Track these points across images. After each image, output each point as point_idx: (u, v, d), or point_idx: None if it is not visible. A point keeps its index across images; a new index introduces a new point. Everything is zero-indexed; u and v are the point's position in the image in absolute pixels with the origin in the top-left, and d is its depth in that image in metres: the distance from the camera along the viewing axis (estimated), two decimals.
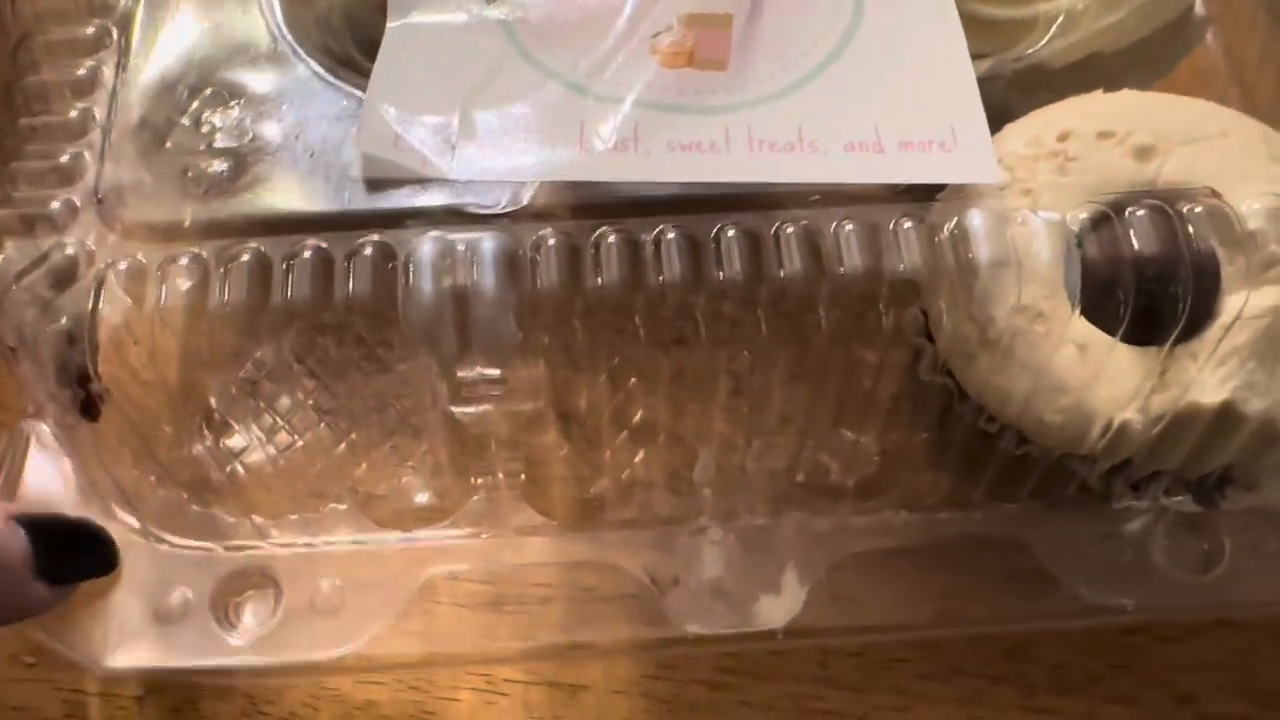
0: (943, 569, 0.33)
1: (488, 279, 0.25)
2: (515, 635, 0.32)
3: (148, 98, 0.28)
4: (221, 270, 0.25)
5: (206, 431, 0.32)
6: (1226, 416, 0.29)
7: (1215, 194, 0.27)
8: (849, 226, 0.26)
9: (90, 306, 0.25)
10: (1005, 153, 0.30)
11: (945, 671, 0.33)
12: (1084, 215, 0.27)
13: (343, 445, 0.34)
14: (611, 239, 0.26)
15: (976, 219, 0.26)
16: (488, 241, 0.26)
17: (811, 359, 0.29)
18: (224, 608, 0.32)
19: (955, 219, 0.26)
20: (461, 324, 0.25)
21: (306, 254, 0.26)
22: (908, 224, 0.26)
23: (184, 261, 0.26)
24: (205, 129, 0.27)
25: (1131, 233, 0.27)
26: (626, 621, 0.32)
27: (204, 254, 0.26)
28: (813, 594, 0.32)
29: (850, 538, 0.33)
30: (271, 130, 0.27)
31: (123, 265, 0.26)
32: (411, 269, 0.25)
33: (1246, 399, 0.29)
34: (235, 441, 0.33)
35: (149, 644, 0.31)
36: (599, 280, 0.26)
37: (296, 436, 0.34)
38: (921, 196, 0.27)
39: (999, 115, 0.30)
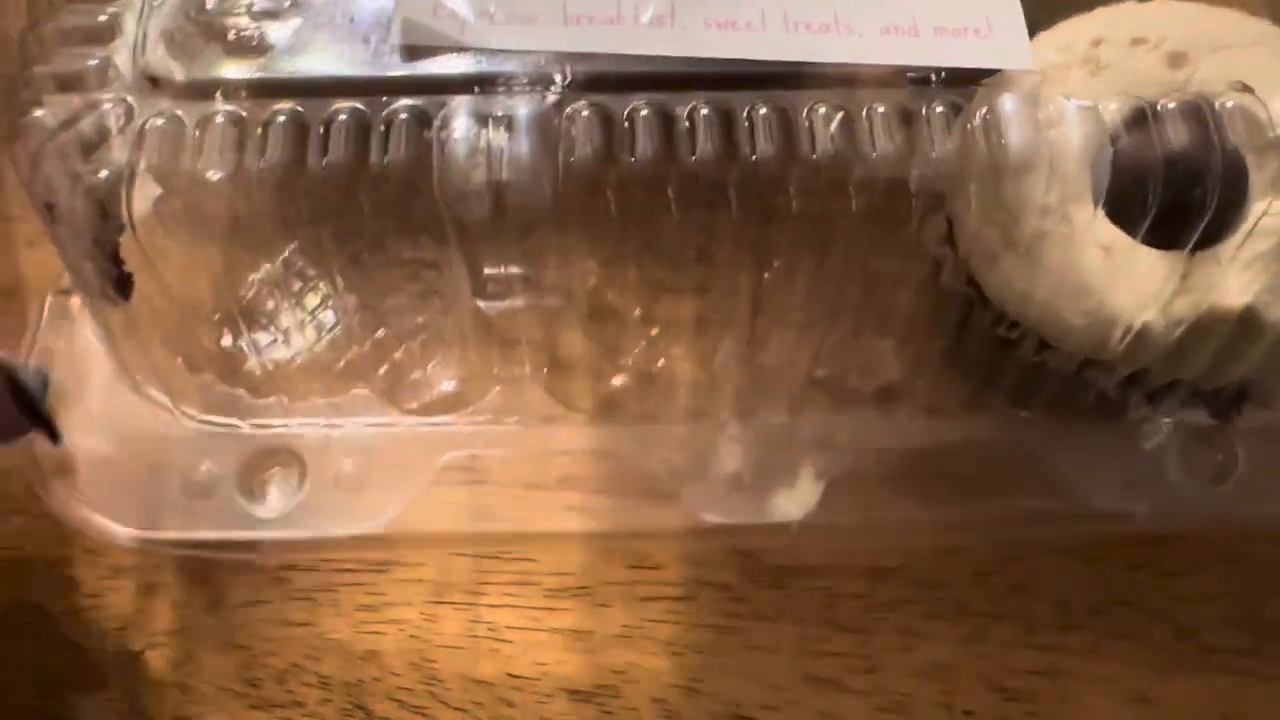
0: (958, 473, 0.33)
1: (523, 145, 0.25)
2: (532, 518, 0.32)
3: None
4: (259, 130, 0.26)
5: (239, 322, 0.33)
6: (1248, 322, 0.29)
7: (1248, 88, 0.27)
8: (881, 109, 0.27)
9: (128, 162, 0.25)
10: (1037, 60, 0.30)
11: (949, 610, 0.33)
12: (1115, 107, 0.27)
13: (369, 342, 0.34)
14: (645, 112, 0.26)
15: (1009, 103, 0.26)
16: (524, 109, 0.26)
17: (837, 250, 0.29)
18: (250, 484, 0.32)
19: (987, 105, 0.26)
20: (496, 192, 0.25)
21: (343, 117, 0.26)
22: (940, 108, 0.27)
23: (221, 120, 0.26)
24: None
25: (1164, 126, 0.27)
26: (644, 509, 0.32)
27: (242, 113, 0.26)
28: (829, 491, 0.32)
29: (868, 439, 0.33)
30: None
31: (160, 121, 0.26)
32: (448, 134, 0.25)
33: (1269, 304, 0.29)
34: (263, 335, 0.34)
35: (178, 516, 0.31)
36: (632, 152, 0.26)
37: (324, 332, 0.34)
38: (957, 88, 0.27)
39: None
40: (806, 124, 0.26)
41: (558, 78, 0.27)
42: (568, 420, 0.33)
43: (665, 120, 0.26)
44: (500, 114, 0.26)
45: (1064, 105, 0.26)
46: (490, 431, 0.33)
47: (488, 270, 0.33)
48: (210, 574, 0.34)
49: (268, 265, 0.34)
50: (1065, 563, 0.34)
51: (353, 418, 0.33)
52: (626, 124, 0.26)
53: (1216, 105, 0.27)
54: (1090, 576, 0.34)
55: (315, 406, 0.33)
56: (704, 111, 0.26)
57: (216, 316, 0.33)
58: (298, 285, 0.35)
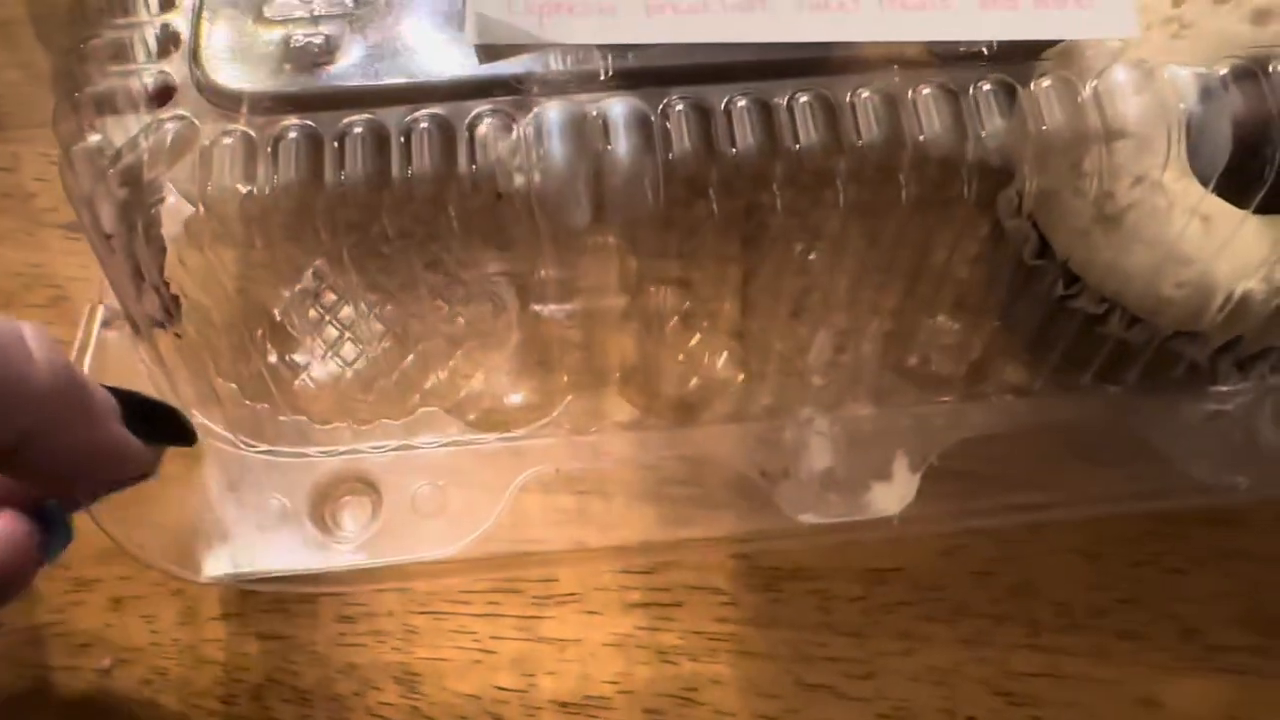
0: (1053, 452, 0.32)
1: (622, 145, 0.24)
2: (624, 529, 0.31)
3: None
4: (335, 143, 0.24)
5: (271, 345, 0.31)
6: None
7: None
8: (986, 87, 0.25)
9: (198, 181, 0.23)
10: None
11: (948, 612, 0.32)
12: (1225, 70, 0.26)
13: (410, 357, 0.33)
14: (742, 103, 0.25)
15: (1120, 73, 0.25)
16: (618, 108, 0.24)
17: (939, 234, 0.28)
18: (321, 513, 0.31)
19: (1097, 75, 0.25)
20: (596, 192, 0.24)
21: (424, 124, 0.24)
22: (1046, 83, 0.25)
23: (294, 135, 0.24)
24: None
25: (1278, 86, 0.26)
26: (738, 514, 0.31)
27: (316, 126, 0.24)
28: (925, 481, 0.31)
29: (958, 424, 0.32)
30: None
31: (227, 140, 0.24)
32: (539, 136, 0.24)
33: None
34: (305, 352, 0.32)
35: (250, 551, 0.30)
36: (734, 146, 0.24)
37: (365, 346, 0.33)
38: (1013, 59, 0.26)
39: None
40: (912, 107, 0.25)
41: (644, 65, 0.25)
42: (648, 426, 0.32)
43: (763, 110, 0.25)
44: (594, 113, 0.24)
45: (1176, 72, 0.25)
46: (570, 444, 0.32)
47: (549, 271, 0.31)
48: (185, 585, 0.32)
49: (311, 277, 0.32)
50: (1067, 561, 0.33)
51: (425, 437, 0.31)
52: (724, 116, 0.25)
53: None
54: (1093, 575, 0.33)
55: (386, 428, 0.31)
56: (803, 99, 0.25)
57: (260, 332, 0.31)
58: (337, 299, 0.33)
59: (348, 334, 0.33)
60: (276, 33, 0.25)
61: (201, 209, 0.25)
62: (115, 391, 0.24)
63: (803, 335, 0.31)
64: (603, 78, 0.25)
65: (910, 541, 0.33)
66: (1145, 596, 0.33)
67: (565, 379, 0.32)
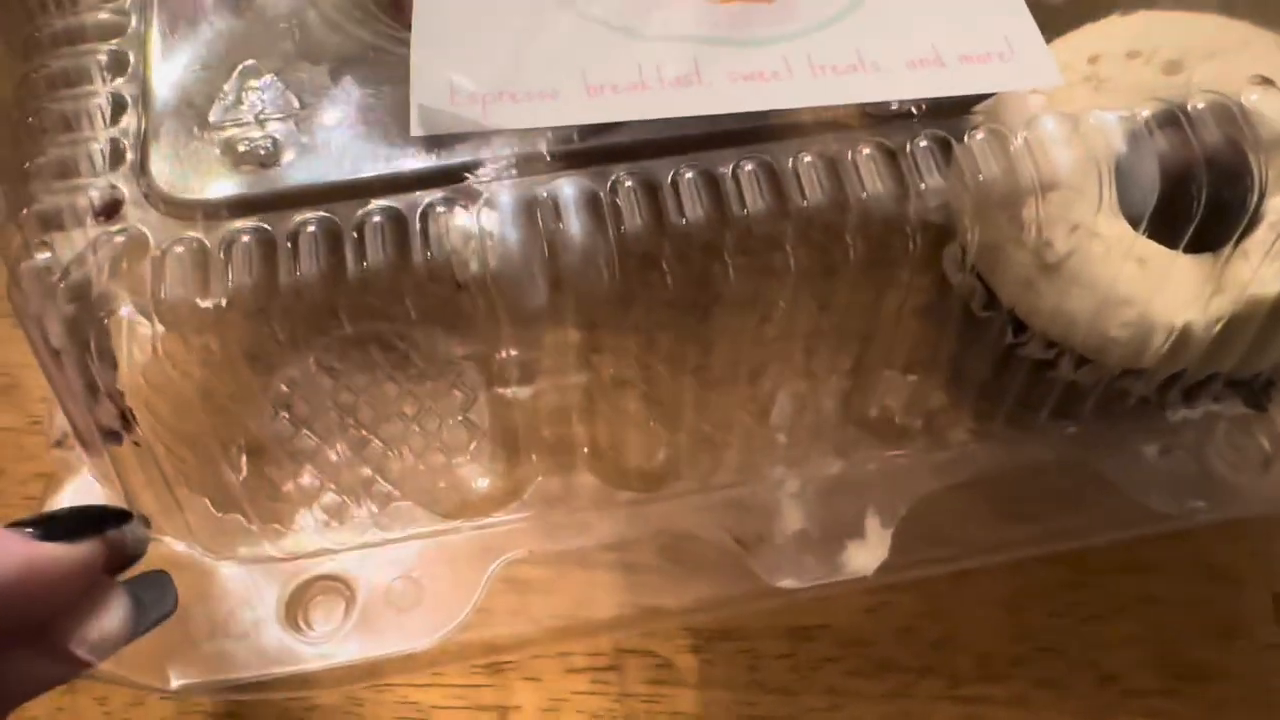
0: (1016, 495, 0.33)
1: (573, 223, 0.24)
2: (603, 607, 0.31)
3: (181, 79, 0.26)
4: (289, 243, 0.24)
5: (244, 460, 0.31)
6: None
7: (1267, 80, 0.28)
8: (922, 144, 0.26)
9: (153, 291, 0.23)
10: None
11: (873, 667, 0.33)
12: (1147, 112, 0.27)
13: (399, 450, 0.32)
14: (689, 175, 0.25)
15: (1049, 123, 0.26)
16: (567, 188, 0.25)
17: (888, 292, 0.29)
18: (295, 616, 0.30)
19: (1025, 125, 0.26)
20: (552, 272, 0.24)
21: (376, 218, 0.25)
22: (979, 136, 0.26)
23: (247, 239, 0.24)
24: (248, 103, 0.26)
25: (1198, 126, 0.27)
26: (713, 582, 0.31)
27: (268, 228, 0.24)
28: (898, 535, 0.31)
29: (924, 475, 0.33)
30: (318, 98, 0.26)
31: (179, 249, 0.24)
32: (491, 221, 0.24)
33: None
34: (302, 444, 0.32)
35: (220, 659, 0.29)
36: (683, 217, 0.25)
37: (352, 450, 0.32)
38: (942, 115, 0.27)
39: None
40: (853, 168, 0.26)
41: (587, 143, 0.26)
42: (619, 501, 0.32)
43: (710, 181, 0.25)
44: (544, 194, 0.24)
45: (1102, 117, 0.26)
46: (542, 525, 0.31)
47: (511, 353, 0.31)
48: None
49: (283, 387, 0.32)
50: (988, 613, 0.34)
51: (398, 531, 0.31)
52: (672, 189, 0.25)
53: (1242, 101, 0.27)
54: (1013, 626, 0.34)
55: (357, 525, 0.31)
56: (749, 168, 0.25)
57: (235, 449, 0.31)
58: (318, 402, 0.33)
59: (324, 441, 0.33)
60: (222, 137, 0.25)
61: (157, 323, 0.25)
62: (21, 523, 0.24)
63: (763, 398, 0.31)
64: (548, 160, 0.25)
65: (835, 599, 0.34)
66: (1063, 645, 0.34)
67: (534, 459, 0.32)
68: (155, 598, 0.26)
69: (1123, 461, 0.33)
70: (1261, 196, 0.29)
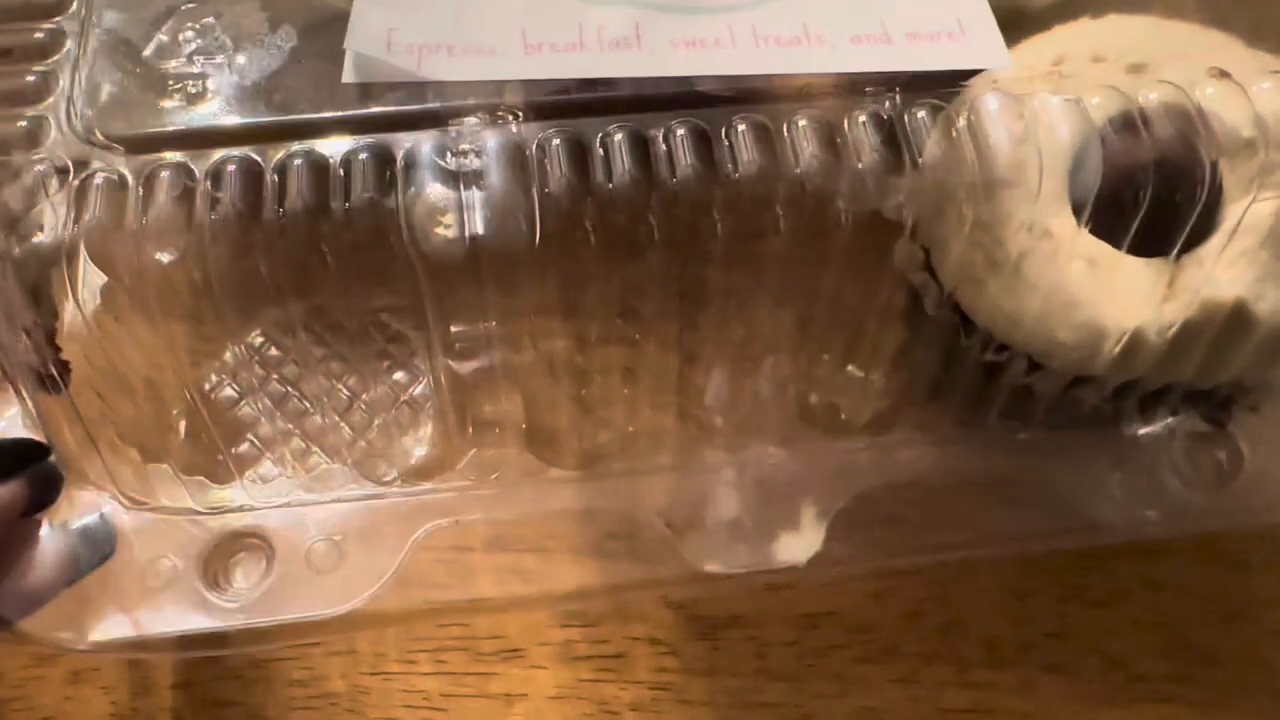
0: (957, 499, 0.32)
1: (496, 179, 0.24)
2: (521, 585, 0.30)
3: (122, 16, 0.26)
4: (208, 183, 0.24)
5: (201, 405, 0.31)
6: (1238, 318, 0.29)
7: (1224, 73, 0.27)
8: (861, 119, 0.26)
9: (72, 221, 0.23)
10: (1000, 77, 0.30)
11: (880, 654, 0.33)
12: (1098, 99, 0.26)
13: (342, 419, 0.32)
14: (618, 136, 0.25)
15: (993, 101, 0.25)
16: (492, 143, 0.24)
17: (822, 277, 0.28)
18: (214, 572, 0.30)
19: (969, 104, 0.26)
20: (470, 235, 0.24)
21: (298, 161, 0.24)
22: (922, 114, 0.26)
23: (167, 173, 0.24)
24: (184, 41, 0.26)
25: (1151, 118, 0.26)
26: (641, 565, 0.30)
27: (190, 164, 0.24)
28: (832, 529, 0.31)
29: (865, 471, 0.32)
30: (255, 43, 0.26)
31: (100, 178, 0.24)
32: (413, 173, 0.24)
33: (1259, 296, 0.28)
34: (244, 413, 0.32)
35: (137, 615, 0.29)
36: (609, 179, 0.25)
37: (309, 405, 0.32)
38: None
39: None
40: (787, 136, 0.25)
41: (520, 100, 0.26)
42: (551, 478, 0.31)
43: (640, 144, 0.25)
44: (467, 148, 0.24)
45: (1048, 101, 0.26)
46: (470, 497, 0.31)
47: (456, 328, 0.31)
48: (137, 658, 0.32)
49: (232, 350, 0.32)
50: (995, 599, 0.34)
51: (325, 493, 0.31)
52: (601, 150, 0.25)
53: (1198, 94, 0.26)
54: (1020, 612, 0.34)
55: (282, 484, 0.31)
56: (680, 132, 0.25)
57: (175, 411, 0.31)
58: (261, 371, 0.33)
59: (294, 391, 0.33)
60: (154, 74, 0.25)
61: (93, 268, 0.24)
62: None
63: (699, 379, 0.30)
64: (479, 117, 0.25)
65: (842, 585, 0.34)
66: (1070, 630, 0.33)
67: (470, 432, 0.32)
68: (91, 540, 0.26)
69: (1072, 469, 0.32)
70: (1217, 201, 0.28)
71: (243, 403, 0.33)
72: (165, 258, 0.25)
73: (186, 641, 0.29)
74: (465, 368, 0.32)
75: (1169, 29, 0.31)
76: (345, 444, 0.32)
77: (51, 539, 0.28)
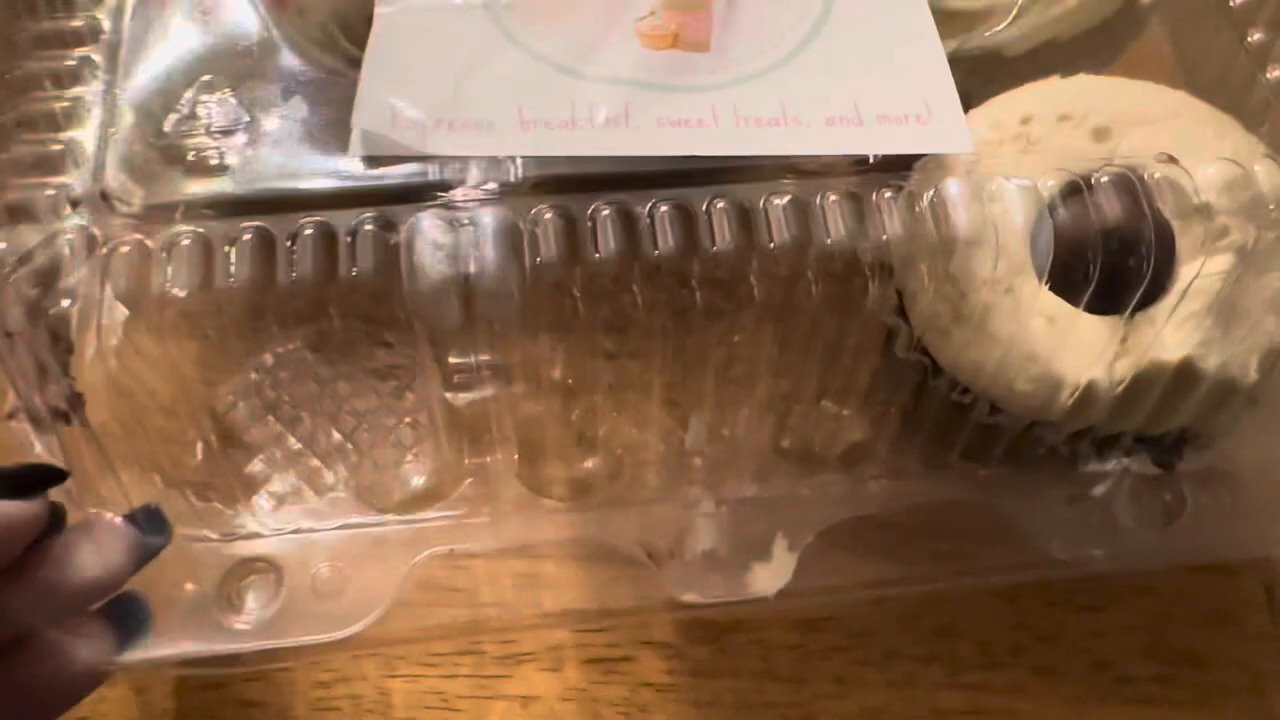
0: (923, 532, 0.34)
1: (489, 251, 0.26)
2: (513, 608, 0.33)
3: (144, 88, 0.28)
4: (227, 248, 0.26)
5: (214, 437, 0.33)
6: (1185, 373, 0.31)
7: (1173, 159, 0.29)
8: (832, 198, 0.28)
9: (97, 286, 0.25)
10: (971, 138, 0.31)
11: (878, 656, 0.35)
12: (1053, 182, 0.29)
13: (344, 445, 0.34)
14: (606, 212, 0.27)
15: (953, 187, 0.27)
16: (487, 216, 0.26)
17: (798, 330, 0.30)
18: (226, 595, 0.32)
19: (933, 187, 0.28)
20: (465, 296, 0.26)
21: (309, 231, 0.26)
22: (888, 194, 0.28)
23: (187, 242, 0.26)
24: (203, 116, 0.27)
25: (1099, 199, 0.28)
26: (623, 592, 0.33)
27: (207, 232, 0.26)
28: (803, 561, 0.33)
29: (835, 506, 0.34)
30: (269, 115, 0.28)
31: (126, 248, 0.26)
32: (414, 243, 0.26)
33: (1204, 356, 0.30)
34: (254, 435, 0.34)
35: (163, 635, 0.31)
36: (597, 251, 0.27)
37: (316, 423, 0.34)
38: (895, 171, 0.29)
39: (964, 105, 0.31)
40: (764, 215, 0.27)
41: (517, 177, 0.28)
42: (542, 508, 0.34)
43: (627, 218, 0.27)
44: (465, 222, 0.26)
45: (1004, 184, 0.28)
46: (465, 525, 0.33)
47: (453, 360, 0.33)
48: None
49: (240, 379, 0.34)
50: (988, 604, 0.36)
51: (329, 521, 0.33)
52: (589, 223, 0.27)
53: (1145, 176, 0.28)
54: (1012, 616, 0.35)
55: (291, 513, 0.33)
56: (664, 208, 0.27)
57: (191, 435, 0.33)
58: (272, 396, 0.35)
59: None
60: (174, 145, 0.27)
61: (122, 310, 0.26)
62: None
63: (678, 420, 0.32)
64: (477, 190, 0.27)
65: (842, 593, 0.34)
66: (1060, 634, 0.35)
67: (465, 463, 0.34)
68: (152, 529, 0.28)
69: (1029, 506, 0.34)
70: (1170, 263, 0.30)
71: (253, 425, 0.35)
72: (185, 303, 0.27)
73: (205, 662, 0.32)
74: (460, 398, 0.34)
75: (1133, 89, 0.33)
76: (350, 466, 0.34)
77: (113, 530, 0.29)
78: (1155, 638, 0.35)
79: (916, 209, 0.27)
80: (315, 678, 0.34)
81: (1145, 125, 0.32)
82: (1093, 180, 0.28)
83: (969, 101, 0.32)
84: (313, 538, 0.33)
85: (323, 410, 0.34)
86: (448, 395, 0.33)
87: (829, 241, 0.27)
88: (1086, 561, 0.33)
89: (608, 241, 0.27)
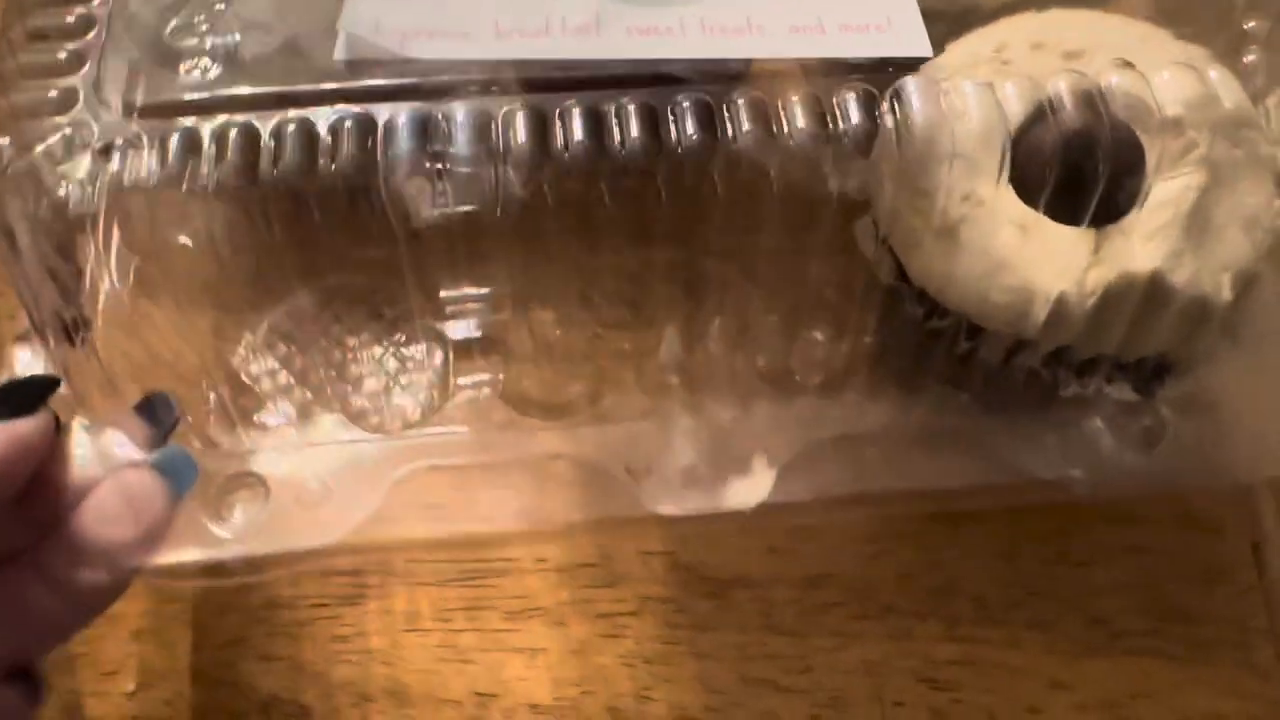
0: (903, 452, 0.34)
1: (463, 142, 0.27)
2: (492, 521, 0.33)
3: (144, 3, 0.30)
4: (213, 142, 0.27)
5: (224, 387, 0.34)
6: (1156, 287, 0.31)
7: (1129, 64, 0.30)
8: (794, 98, 0.29)
9: (95, 176, 0.27)
10: (945, 64, 0.32)
11: (877, 611, 0.35)
12: (1012, 88, 0.29)
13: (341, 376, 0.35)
14: (576, 110, 0.28)
15: (911, 83, 0.28)
16: (461, 111, 0.28)
17: (764, 241, 0.31)
18: (216, 508, 0.33)
19: (892, 91, 0.28)
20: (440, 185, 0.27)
21: (291, 126, 0.28)
22: (850, 94, 0.29)
23: (177, 135, 0.27)
24: (198, 23, 0.29)
25: (1057, 104, 0.29)
26: (602, 505, 0.33)
27: (198, 128, 0.27)
28: (781, 477, 0.33)
29: (815, 425, 0.34)
30: (259, 23, 0.29)
31: (120, 140, 0.27)
32: (391, 136, 0.27)
33: (1173, 269, 0.31)
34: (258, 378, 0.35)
35: None
36: (566, 144, 0.28)
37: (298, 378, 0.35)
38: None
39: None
40: (725, 113, 0.28)
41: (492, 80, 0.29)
42: (524, 426, 0.34)
43: (595, 117, 0.28)
44: (440, 116, 0.27)
45: (963, 85, 0.28)
46: (447, 443, 0.34)
47: (444, 293, 0.34)
48: (196, 616, 0.35)
49: (249, 334, 0.35)
50: (985, 561, 0.36)
51: (318, 441, 0.34)
52: (559, 122, 0.28)
53: (1103, 84, 0.29)
54: (1007, 572, 0.36)
55: (279, 433, 0.34)
56: (630, 106, 0.28)
57: (204, 383, 0.34)
58: (284, 349, 0.36)
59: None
60: (170, 50, 0.29)
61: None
62: None
63: (652, 336, 0.33)
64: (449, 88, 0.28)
65: (841, 548, 0.36)
66: (1055, 590, 0.36)
67: (453, 383, 0.35)
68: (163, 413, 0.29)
69: (1009, 430, 0.35)
70: (1137, 176, 0.30)
71: (254, 361, 0.36)
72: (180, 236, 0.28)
73: (190, 571, 0.33)
74: (448, 327, 0.35)
75: (1103, 21, 0.34)
76: (341, 395, 0.35)
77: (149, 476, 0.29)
78: (1147, 594, 0.36)
79: (878, 111, 0.28)
80: (334, 632, 0.35)
81: (1115, 49, 0.33)
82: (1049, 88, 0.29)
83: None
84: (302, 454, 0.34)
85: (319, 348, 0.35)
86: (436, 323, 0.34)
87: (791, 141, 0.28)
88: (1067, 483, 0.34)
89: (573, 134, 0.28)
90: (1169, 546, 0.36)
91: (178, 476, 0.28)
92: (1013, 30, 0.34)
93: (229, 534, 0.33)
